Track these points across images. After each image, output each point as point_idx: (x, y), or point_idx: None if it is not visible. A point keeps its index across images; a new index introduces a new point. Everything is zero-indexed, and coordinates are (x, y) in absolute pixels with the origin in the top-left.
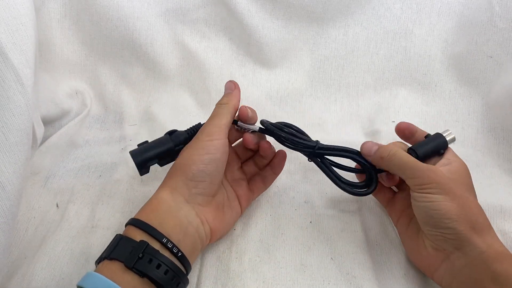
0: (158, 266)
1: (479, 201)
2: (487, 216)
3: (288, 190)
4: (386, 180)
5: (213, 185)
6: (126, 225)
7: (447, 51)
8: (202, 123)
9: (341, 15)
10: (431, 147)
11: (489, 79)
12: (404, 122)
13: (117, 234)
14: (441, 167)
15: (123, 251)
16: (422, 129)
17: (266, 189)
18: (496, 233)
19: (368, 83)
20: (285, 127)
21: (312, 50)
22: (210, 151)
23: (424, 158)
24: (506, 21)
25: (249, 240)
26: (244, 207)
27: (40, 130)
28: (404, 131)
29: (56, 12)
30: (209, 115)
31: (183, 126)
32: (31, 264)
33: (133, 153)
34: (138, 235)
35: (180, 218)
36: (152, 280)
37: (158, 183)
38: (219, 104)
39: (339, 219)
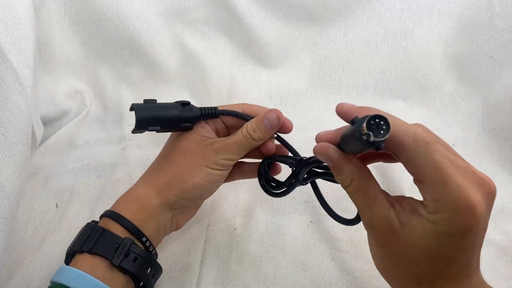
0: (142, 265)
1: None
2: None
3: None
4: None
5: (201, 202)
6: (103, 216)
7: (447, 52)
8: (218, 108)
9: (341, 15)
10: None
11: (490, 79)
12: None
13: (92, 225)
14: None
15: (106, 247)
16: None
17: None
18: (498, 234)
19: (368, 83)
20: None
21: (312, 50)
22: (215, 180)
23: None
24: (507, 21)
25: (250, 240)
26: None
27: (39, 130)
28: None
29: (55, 12)
30: None
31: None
32: (31, 264)
33: (138, 107)
34: (118, 231)
35: (159, 222)
36: (135, 277)
37: None
38: (249, 137)
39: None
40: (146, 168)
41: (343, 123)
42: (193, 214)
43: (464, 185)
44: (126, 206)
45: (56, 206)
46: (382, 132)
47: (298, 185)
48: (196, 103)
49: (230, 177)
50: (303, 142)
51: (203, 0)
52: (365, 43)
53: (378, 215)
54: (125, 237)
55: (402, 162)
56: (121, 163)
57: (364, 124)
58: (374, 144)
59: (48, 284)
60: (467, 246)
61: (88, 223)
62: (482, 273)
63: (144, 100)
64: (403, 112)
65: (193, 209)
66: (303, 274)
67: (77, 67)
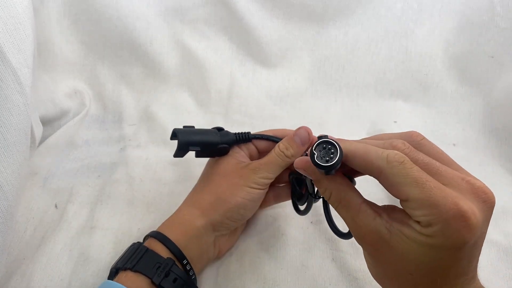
0: (182, 286)
1: None
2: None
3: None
4: None
5: (243, 222)
6: (148, 236)
7: (448, 51)
8: (251, 133)
9: (341, 14)
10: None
11: (491, 79)
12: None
13: (137, 244)
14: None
15: (148, 266)
16: (423, 130)
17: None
18: (499, 235)
19: (369, 83)
20: None
21: (313, 50)
22: (255, 199)
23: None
24: (508, 20)
25: (250, 241)
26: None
27: (38, 130)
28: None
29: (55, 12)
30: (208, 113)
31: (182, 125)
32: (30, 264)
33: (180, 131)
34: (162, 251)
35: (202, 244)
36: None
37: (157, 184)
38: (282, 155)
39: (341, 219)
40: (146, 168)
41: (343, 124)
42: (234, 241)
43: (451, 195)
44: (171, 228)
45: (56, 206)
46: (327, 159)
47: (314, 200)
48: (196, 102)
49: (266, 202)
50: None
51: (203, 0)
52: (366, 42)
53: (364, 225)
54: (167, 257)
55: (384, 187)
56: (121, 163)
57: (314, 146)
58: (322, 168)
59: (48, 284)
60: (462, 257)
61: (134, 243)
62: (483, 273)
63: (184, 126)
64: (404, 112)
65: (234, 235)
66: (303, 275)
67: (77, 67)
